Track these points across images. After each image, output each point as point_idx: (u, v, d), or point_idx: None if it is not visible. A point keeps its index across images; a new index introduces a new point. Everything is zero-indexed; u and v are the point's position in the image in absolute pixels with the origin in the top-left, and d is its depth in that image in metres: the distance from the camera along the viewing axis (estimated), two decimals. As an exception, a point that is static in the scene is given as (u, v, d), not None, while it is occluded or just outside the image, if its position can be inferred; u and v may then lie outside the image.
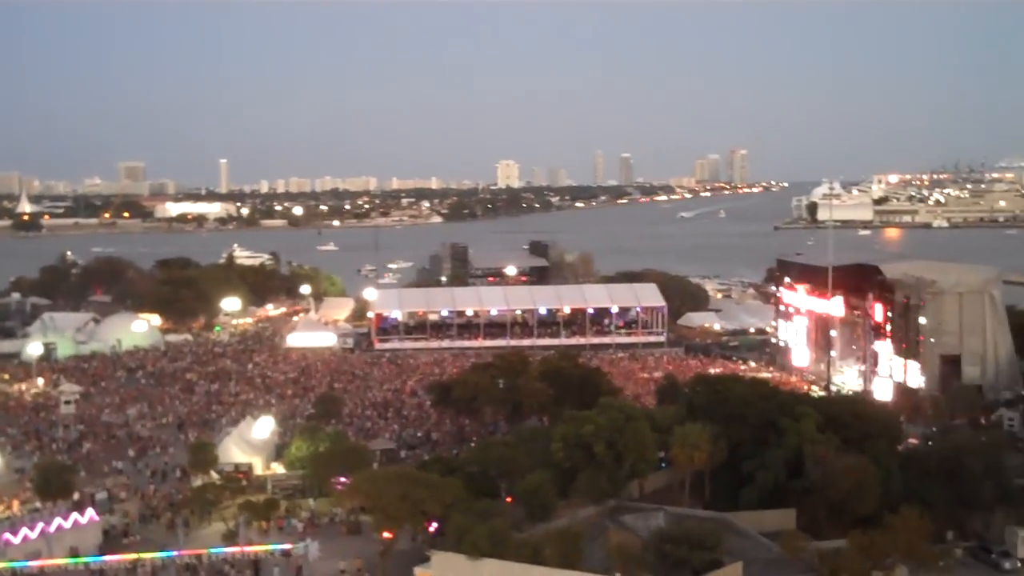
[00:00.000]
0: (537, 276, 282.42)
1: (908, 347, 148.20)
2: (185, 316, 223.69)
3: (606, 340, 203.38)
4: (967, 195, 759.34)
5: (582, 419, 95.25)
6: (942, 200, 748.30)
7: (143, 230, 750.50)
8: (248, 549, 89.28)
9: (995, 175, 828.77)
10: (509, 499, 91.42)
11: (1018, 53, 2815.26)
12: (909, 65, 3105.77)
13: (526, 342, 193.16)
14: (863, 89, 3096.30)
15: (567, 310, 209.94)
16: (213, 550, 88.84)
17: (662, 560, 76.88)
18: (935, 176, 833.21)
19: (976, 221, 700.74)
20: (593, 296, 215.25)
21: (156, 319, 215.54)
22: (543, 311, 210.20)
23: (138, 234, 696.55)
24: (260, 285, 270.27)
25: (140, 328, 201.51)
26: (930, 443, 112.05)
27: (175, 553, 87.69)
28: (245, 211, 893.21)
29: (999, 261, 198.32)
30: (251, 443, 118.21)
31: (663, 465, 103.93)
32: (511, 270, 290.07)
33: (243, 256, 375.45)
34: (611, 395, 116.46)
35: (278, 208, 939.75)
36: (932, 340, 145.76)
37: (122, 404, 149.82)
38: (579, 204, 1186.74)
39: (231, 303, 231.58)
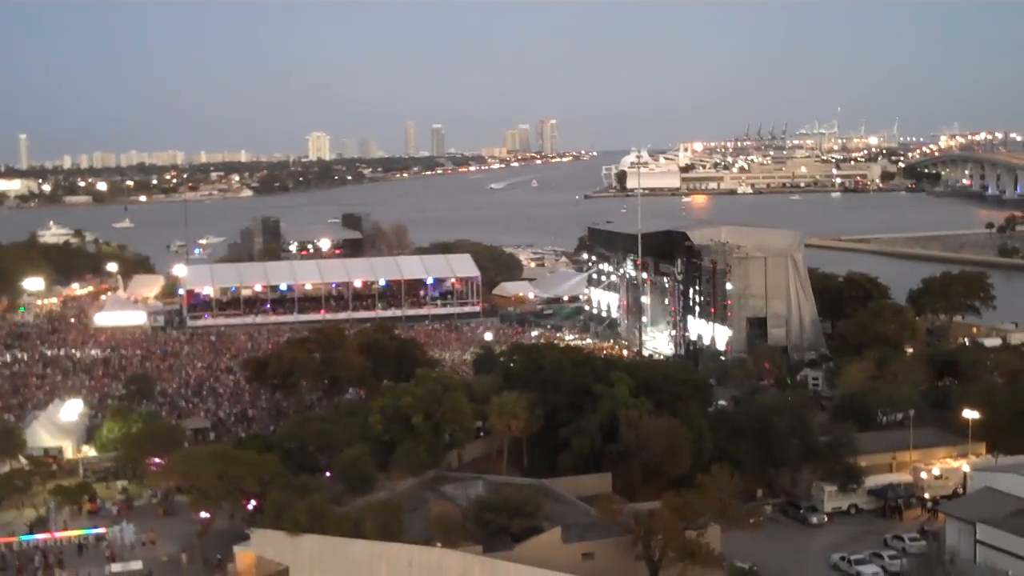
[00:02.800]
0: (351, 249, 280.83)
1: (716, 311, 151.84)
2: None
3: (422, 311, 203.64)
4: (769, 162, 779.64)
5: (400, 391, 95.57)
6: (746, 167, 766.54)
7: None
8: (60, 535, 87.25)
9: (796, 142, 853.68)
10: (328, 474, 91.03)
11: (811, 27, 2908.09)
12: (710, 37, 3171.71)
13: (342, 315, 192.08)
14: (666, 60, 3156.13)
15: (382, 282, 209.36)
16: (23, 537, 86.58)
17: (482, 528, 77.53)
18: (739, 143, 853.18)
19: (779, 187, 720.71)
20: (408, 268, 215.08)
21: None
22: (358, 284, 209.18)
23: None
24: (65, 264, 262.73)
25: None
26: (739, 404, 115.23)
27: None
28: (47, 188, 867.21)
29: (797, 225, 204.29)
30: (60, 426, 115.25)
31: (481, 434, 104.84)
32: (325, 243, 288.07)
33: (59, 234, 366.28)
34: (428, 366, 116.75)
35: (82, 184, 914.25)
36: (738, 303, 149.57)
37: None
38: (404, 175, 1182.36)
39: (34, 283, 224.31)
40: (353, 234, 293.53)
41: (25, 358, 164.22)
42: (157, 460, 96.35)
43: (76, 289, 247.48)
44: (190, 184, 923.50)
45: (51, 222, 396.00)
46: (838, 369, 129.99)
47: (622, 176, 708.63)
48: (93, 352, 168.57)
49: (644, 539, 74.34)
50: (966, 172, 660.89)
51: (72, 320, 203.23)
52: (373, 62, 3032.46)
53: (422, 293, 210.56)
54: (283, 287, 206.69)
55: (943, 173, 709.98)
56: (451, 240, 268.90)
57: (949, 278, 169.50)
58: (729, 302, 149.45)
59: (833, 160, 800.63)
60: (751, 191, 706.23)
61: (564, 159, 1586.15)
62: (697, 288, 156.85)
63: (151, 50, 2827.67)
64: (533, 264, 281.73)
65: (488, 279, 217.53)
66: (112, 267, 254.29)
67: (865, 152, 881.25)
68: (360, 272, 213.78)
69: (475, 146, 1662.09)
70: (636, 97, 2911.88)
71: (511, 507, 78.07)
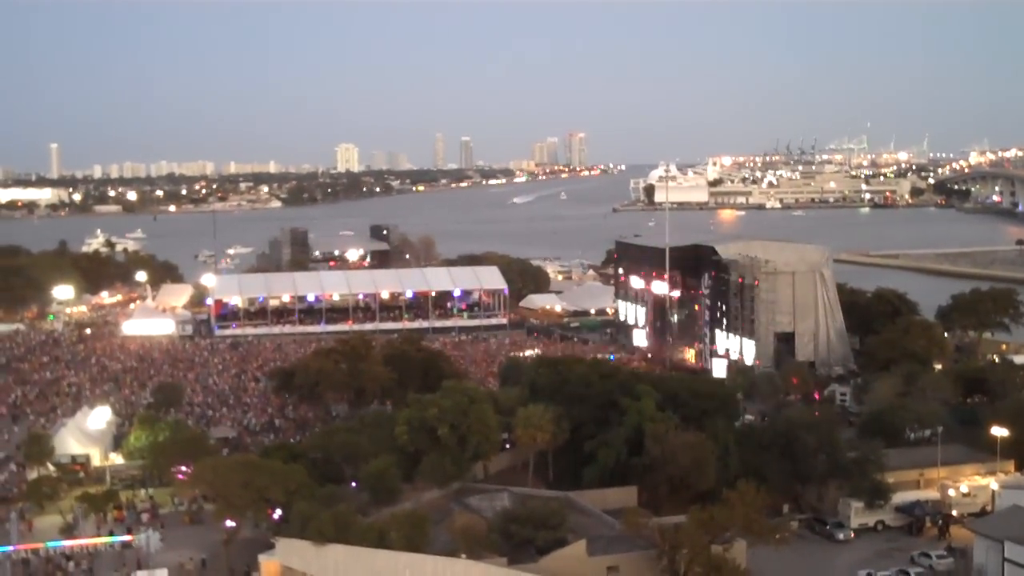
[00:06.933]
0: (379, 260, 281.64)
1: (743, 326, 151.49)
2: (16, 305, 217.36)
3: (449, 323, 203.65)
4: (798, 176, 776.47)
5: (426, 402, 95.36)
6: (774, 182, 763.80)
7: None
8: (87, 542, 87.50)
9: (825, 157, 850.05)
10: (354, 484, 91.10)
11: (840, 42, 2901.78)
12: (740, 51, 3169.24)
13: (369, 326, 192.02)
14: (696, 74, 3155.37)
15: (409, 294, 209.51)
16: (50, 544, 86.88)
17: (507, 540, 77.48)
18: (767, 158, 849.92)
19: (807, 202, 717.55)
20: (435, 279, 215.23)
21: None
22: (385, 295, 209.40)
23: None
24: (95, 272, 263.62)
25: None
26: (766, 419, 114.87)
27: (10, 548, 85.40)
28: (78, 197, 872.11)
29: (825, 240, 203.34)
30: (88, 434, 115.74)
31: (507, 446, 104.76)
32: (352, 254, 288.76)
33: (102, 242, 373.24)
34: (454, 378, 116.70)
35: (112, 193, 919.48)
36: (766, 319, 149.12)
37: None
38: (420, 188, 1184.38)
39: (64, 291, 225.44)
40: (381, 245, 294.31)
41: (53, 366, 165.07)
42: (184, 468, 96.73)
43: (105, 298, 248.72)
44: (219, 194, 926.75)
45: (98, 230, 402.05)
46: (866, 385, 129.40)
47: (650, 190, 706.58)
48: (121, 360, 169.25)
49: (669, 553, 74.05)
50: (996, 188, 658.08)
51: (101, 329, 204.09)
52: (403, 74, 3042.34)
53: (449, 305, 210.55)
54: (311, 297, 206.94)
55: (973, 189, 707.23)
56: (478, 252, 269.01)
57: (978, 294, 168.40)
58: (756, 317, 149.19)
59: (862, 176, 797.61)
60: (779, 206, 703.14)
61: (592, 172, 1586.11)
62: (725, 303, 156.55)
63: (181, 61, 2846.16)
64: (560, 277, 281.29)
65: (515, 292, 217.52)
66: (141, 276, 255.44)
67: (895, 168, 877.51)
68: (387, 283, 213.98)
69: (503, 159, 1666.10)
70: (665, 111, 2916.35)
71: (536, 519, 78.03)
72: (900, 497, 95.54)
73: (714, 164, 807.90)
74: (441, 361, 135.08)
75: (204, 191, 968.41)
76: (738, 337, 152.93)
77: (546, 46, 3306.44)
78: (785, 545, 79.16)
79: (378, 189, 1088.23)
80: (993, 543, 79.43)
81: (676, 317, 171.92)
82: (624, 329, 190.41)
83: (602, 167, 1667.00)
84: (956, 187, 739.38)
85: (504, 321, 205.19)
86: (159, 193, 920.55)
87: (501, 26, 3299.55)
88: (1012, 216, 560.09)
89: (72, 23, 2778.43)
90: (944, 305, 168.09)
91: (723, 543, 74.63)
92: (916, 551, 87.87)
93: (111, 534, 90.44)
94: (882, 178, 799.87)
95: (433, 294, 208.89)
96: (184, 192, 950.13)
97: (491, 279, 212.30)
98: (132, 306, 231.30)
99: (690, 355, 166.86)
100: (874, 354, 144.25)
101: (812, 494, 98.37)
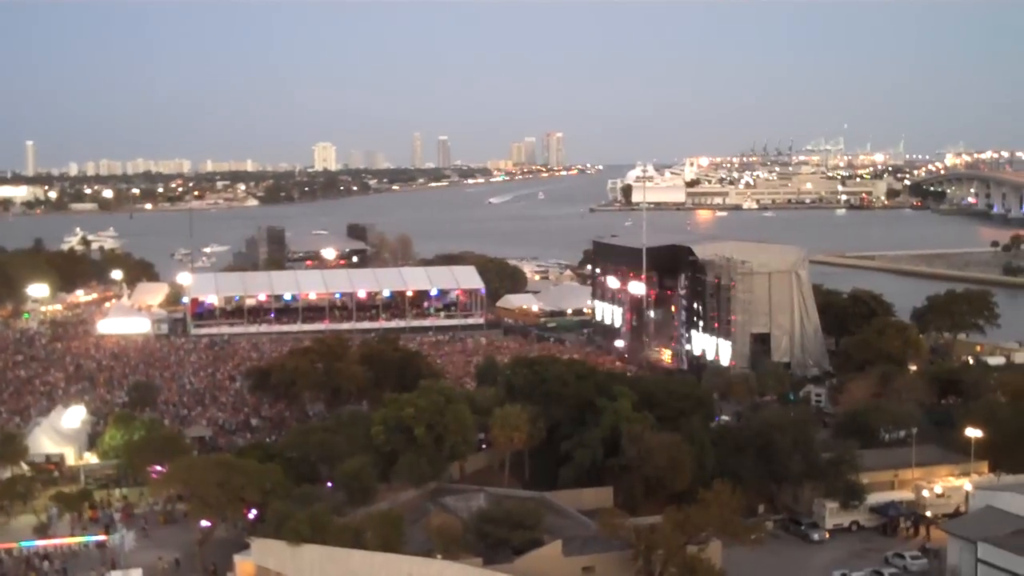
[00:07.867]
0: (356, 259, 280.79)
1: (719, 326, 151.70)
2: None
3: (425, 323, 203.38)
4: (775, 178, 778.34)
5: (402, 402, 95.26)
6: (751, 182, 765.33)
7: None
8: (61, 541, 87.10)
9: (801, 158, 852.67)
10: (329, 484, 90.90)
11: (817, 44, 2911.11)
12: (717, 52, 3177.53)
13: (345, 326, 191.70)
14: (673, 76, 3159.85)
15: (386, 293, 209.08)
16: (24, 543, 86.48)
17: (483, 540, 77.53)
18: (744, 159, 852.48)
19: (784, 203, 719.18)
20: (412, 279, 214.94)
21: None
22: (362, 294, 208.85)
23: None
24: (70, 271, 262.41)
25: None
26: (741, 419, 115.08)
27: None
28: (53, 195, 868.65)
29: (802, 241, 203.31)
30: (62, 433, 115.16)
31: (483, 446, 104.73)
32: (329, 253, 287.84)
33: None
34: (431, 378, 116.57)
35: (88, 191, 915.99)
36: (742, 319, 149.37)
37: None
38: (397, 187, 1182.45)
39: (39, 289, 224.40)
40: (358, 244, 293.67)
41: (27, 364, 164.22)
42: (158, 468, 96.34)
43: (80, 296, 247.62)
44: (196, 192, 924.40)
45: (77, 228, 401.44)
46: (841, 386, 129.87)
47: (627, 190, 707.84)
48: (96, 359, 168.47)
49: (645, 554, 74.19)
50: (972, 190, 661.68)
51: (76, 327, 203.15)
52: (380, 73, 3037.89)
53: (426, 304, 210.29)
54: (287, 296, 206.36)
55: (949, 191, 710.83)
56: (456, 252, 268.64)
57: (953, 296, 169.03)
58: (733, 317, 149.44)
59: (839, 177, 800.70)
60: (756, 207, 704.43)
61: (570, 172, 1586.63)
62: (701, 303, 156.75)
63: (158, 59, 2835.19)
64: (537, 277, 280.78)
65: (492, 291, 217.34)
66: (117, 275, 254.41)
67: (871, 169, 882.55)
68: (364, 282, 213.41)
69: (481, 158, 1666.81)
70: (643, 112, 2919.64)
71: (512, 520, 78.05)
72: (874, 498, 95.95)
73: (691, 165, 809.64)
74: (418, 361, 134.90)
75: (181, 189, 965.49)
76: (714, 337, 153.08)
77: (524, 46, 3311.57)
78: (760, 545, 79.52)
79: (355, 188, 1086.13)
80: (967, 544, 79.77)
81: (653, 317, 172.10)
82: (601, 329, 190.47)
83: (579, 167, 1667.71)
84: (932, 189, 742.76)
85: (481, 321, 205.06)
86: (135, 191, 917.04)
87: (479, 25, 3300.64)
88: (987, 218, 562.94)
89: (48, 20, 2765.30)
90: (919, 306, 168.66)
91: (698, 543, 74.81)
92: (890, 551, 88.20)
93: (84, 533, 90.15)
94: (858, 179, 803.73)
95: (410, 293, 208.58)
96: (160, 190, 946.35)
97: (468, 279, 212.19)
98: (107, 305, 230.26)
99: (666, 355, 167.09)
100: (849, 355, 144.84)
101: (787, 494, 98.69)
